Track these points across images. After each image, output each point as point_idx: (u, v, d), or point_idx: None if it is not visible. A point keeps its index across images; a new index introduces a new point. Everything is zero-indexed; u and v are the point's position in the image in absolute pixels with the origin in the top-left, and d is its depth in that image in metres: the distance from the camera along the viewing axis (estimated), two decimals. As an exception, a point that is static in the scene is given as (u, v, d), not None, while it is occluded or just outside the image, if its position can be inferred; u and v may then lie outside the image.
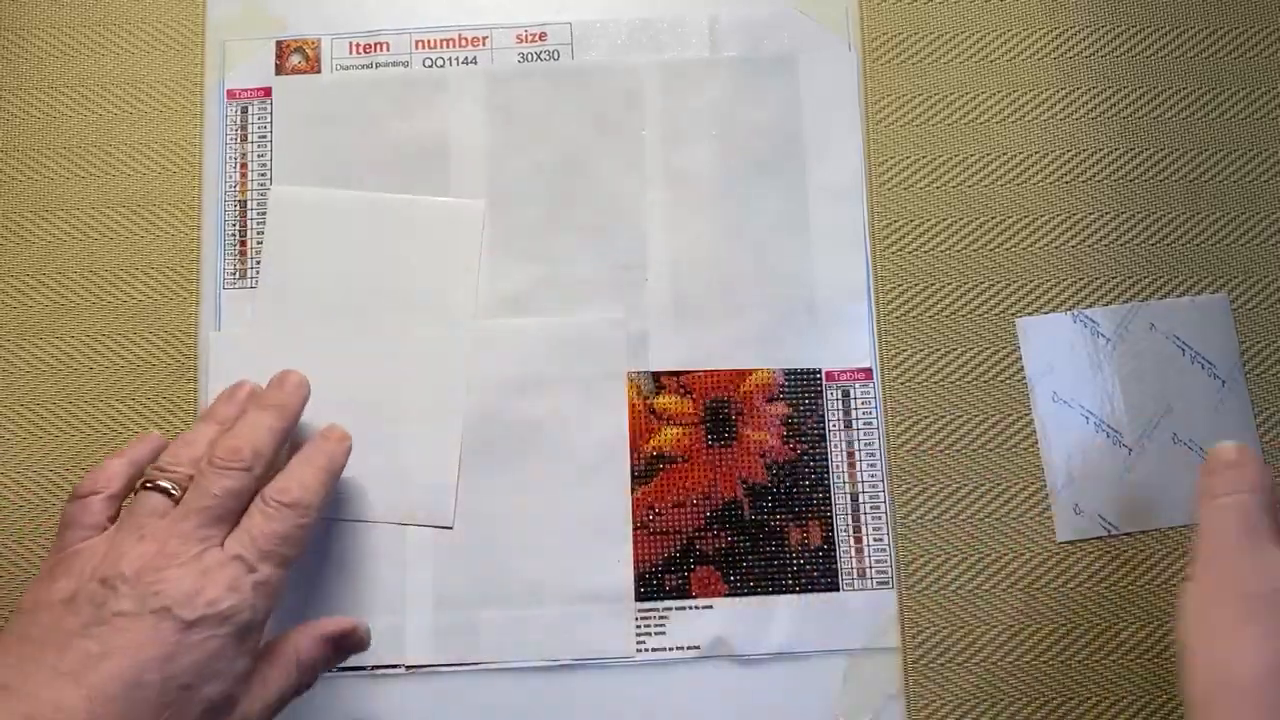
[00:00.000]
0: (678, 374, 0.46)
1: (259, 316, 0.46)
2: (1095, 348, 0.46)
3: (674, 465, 0.46)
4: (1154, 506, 0.44)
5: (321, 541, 0.45)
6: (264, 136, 0.48)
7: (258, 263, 0.47)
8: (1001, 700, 0.44)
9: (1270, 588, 0.33)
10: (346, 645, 0.40)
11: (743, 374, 0.46)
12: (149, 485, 0.38)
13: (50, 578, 0.36)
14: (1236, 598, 0.33)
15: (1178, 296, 0.46)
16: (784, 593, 0.45)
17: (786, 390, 0.46)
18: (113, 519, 0.38)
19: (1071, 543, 0.45)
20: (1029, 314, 0.47)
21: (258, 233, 0.47)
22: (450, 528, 0.45)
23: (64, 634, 0.34)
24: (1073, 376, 0.46)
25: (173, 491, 0.37)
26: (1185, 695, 0.33)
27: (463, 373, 0.46)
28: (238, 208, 0.48)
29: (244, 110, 0.48)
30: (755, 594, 0.45)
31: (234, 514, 0.37)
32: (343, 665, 0.44)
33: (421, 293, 0.46)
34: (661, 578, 0.45)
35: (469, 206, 0.47)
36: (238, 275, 0.47)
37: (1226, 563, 0.34)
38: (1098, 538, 0.44)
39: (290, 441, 0.41)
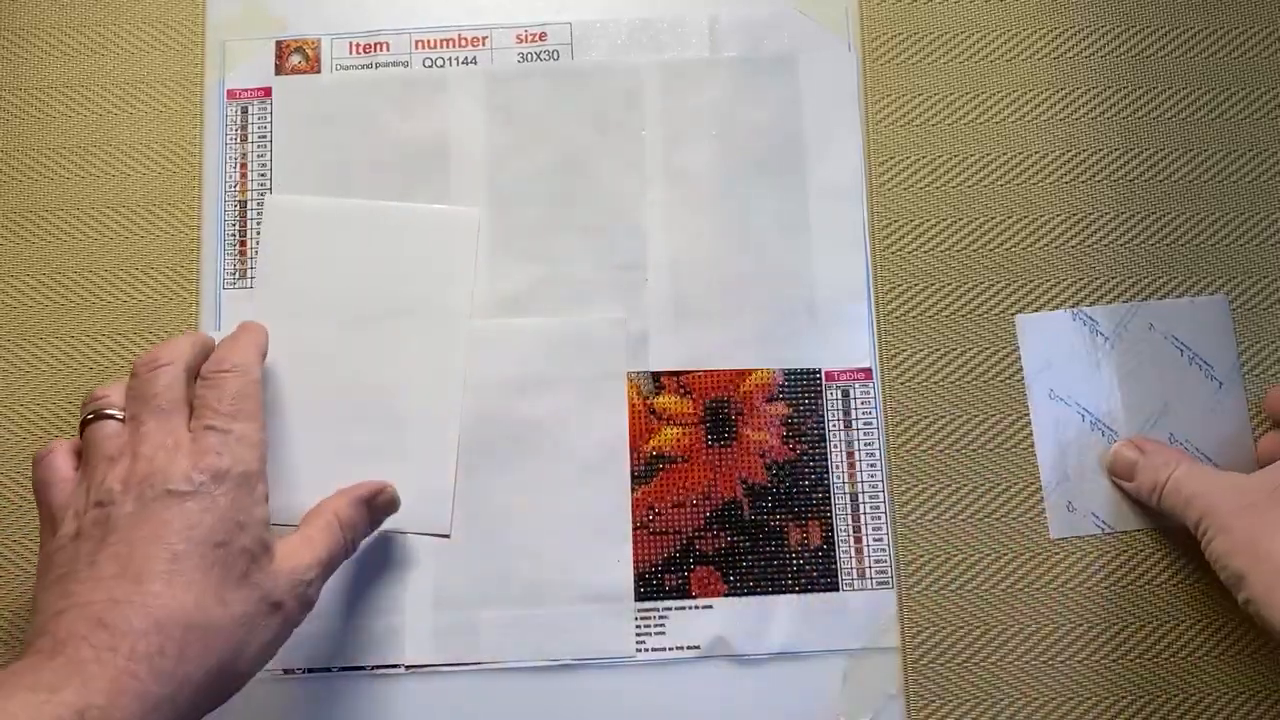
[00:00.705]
0: (678, 374, 0.46)
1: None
2: (1094, 346, 0.46)
3: (674, 465, 0.46)
4: (1148, 506, 0.44)
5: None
6: (264, 137, 0.48)
7: (255, 267, 0.47)
8: (1001, 700, 0.44)
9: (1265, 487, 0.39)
10: (379, 504, 0.42)
11: (742, 374, 0.46)
12: (92, 416, 0.38)
13: (51, 535, 0.36)
14: (1270, 505, 0.39)
15: (1177, 297, 0.46)
16: (784, 593, 0.45)
17: (786, 390, 0.46)
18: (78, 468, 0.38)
19: (1068, 540, 0.45)
20: (1029, 313, 0.47)
21: (257, 233, 0.47)
22: (447, 536, 0.45)
23: (88, 556, 0.34)
24: (1070, 374, 0.46)
25: (118, 415, 0.38)
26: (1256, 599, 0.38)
27: (460, 379, 0.46)
28: (238, 208, 0.48)
29: (244, 110, 0.48)
30: (755, 594, 0.45)
31: (182, 402, 0.38)
32: (343, 665, 0.44)
33: (416, 300, 0.46)
34: (661, 578, 0.45)
35: (464, 214, 0.47)
36: (237, 275, 0.47)
37: (1236, 495, 0.40)
38: (1091, 535, 0.44)
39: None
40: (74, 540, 0.35)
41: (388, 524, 0.43)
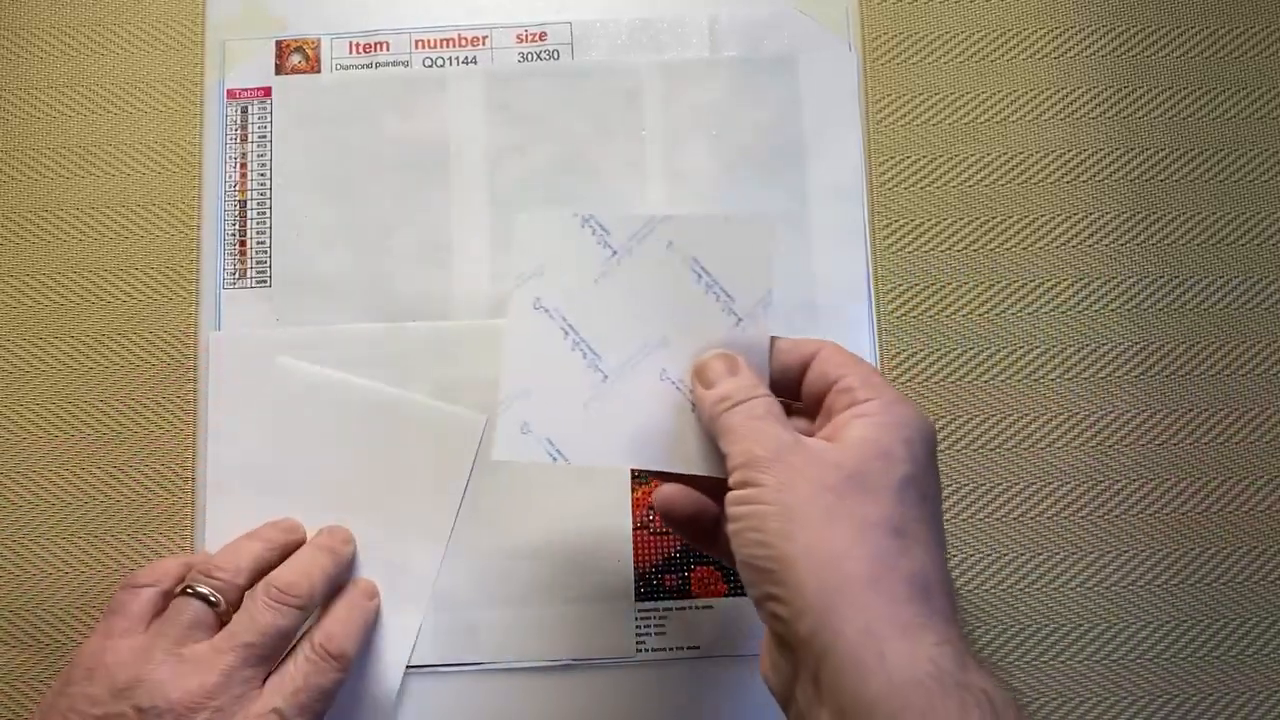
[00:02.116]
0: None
1: (245, 486, 0.45)
2: (598, 259, 0.38)
3: (674, 465, 0.46)
4: (609, 443, 0.37)
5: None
6: (264, 136, 0.48)
7: (259, 272, 0.47)
8: (1001, 700, 0.44)
9: (842, 476, 0.31)
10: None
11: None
12: (190, 590, 0.38)
13: (87, 676, 0.36)
14: (818, 494, 0.31)
15: (712, 215, 0.39)
16: (784, 593, 0.45)
17: (786, 390, 0.46)
18: (158, 614, 0.39)
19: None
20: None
21: (258, 233, 0.47)
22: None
23: None
24: (564, 285, 0.38)
25: (212, 599, 0.38)
26: (792, 603, 0.30)
27: (433, 576, 0.44)
28: (237, 208, 0.48)
29: (244, 110, 0.48)
30: (755, 594, 0.45)
31: (278, 654, 0.38)
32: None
33: (406, 496, 0.45)
34: (661, 578, 0.45)
35: (470, 418, 0.45)
36: (237, 275, 0.47)
37: (791, 463, 0.32)
38: (544, 464, 0.39)
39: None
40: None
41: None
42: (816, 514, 0.31)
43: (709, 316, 0.37)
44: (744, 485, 0.32)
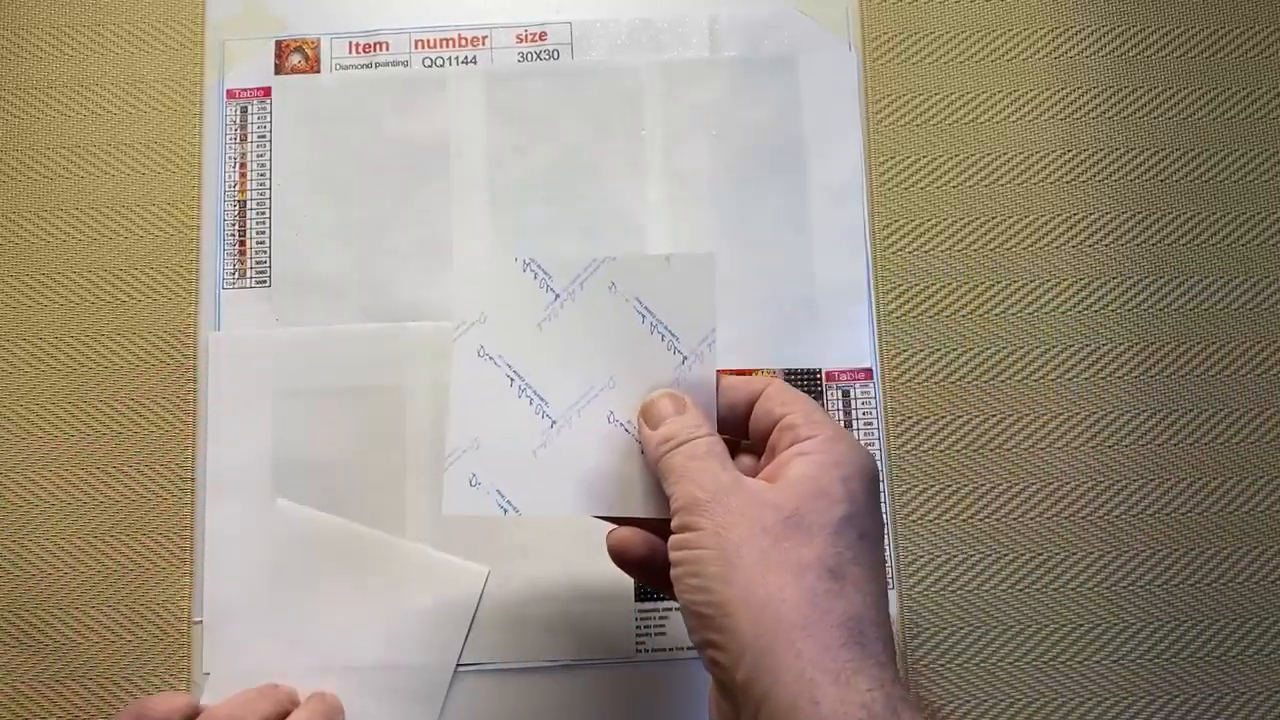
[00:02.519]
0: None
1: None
2: (541, 303, 0.38)
3: (674, 465, 0.46)
4: (558, 490, 0.37)
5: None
6: (263, 136, 0.48)
7: (259, 272, 0.47)
8: (1001, 700, 0.44)
9: (779, 518, 0.31)
10: None
11: (743, 374, 0.46)
12: None
13: None
14: (755, 536, 0.31)
15: (653, 254, 0.40)
16: (784, 593, 0.45)
17: (786, 390, 0.46)
18: None
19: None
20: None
21: (257, 232, 0.47)
22: None
23: None
24: (507, 331, 0.38)
25: None
26: (729, 648, 0.30)
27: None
28: (237, 208, 0.48)
29: (243, 110, 0.48)
30: (755, 594, 0.44)
31: None
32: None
33: (402, 651, 0.44)
34: (661, 578, 0.45)
35: (472, 572, 0.45)
36: (237, 275, 0.47)
37: (728, 506, 0.32)
38: (493, 518, 0.40)
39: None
40: None
41: None
42: (753, 557, 0.31)
43: (655, 356, 0.37)
44: (683, 529, 0.32)
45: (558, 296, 0.38)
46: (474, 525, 0.45)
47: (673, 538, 0.33)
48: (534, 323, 0.38)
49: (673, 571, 0.32)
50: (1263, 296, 0.47)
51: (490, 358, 0.38)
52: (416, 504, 0.45)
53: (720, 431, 0.35)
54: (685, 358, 0.37)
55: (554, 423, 0.37)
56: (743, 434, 0.36)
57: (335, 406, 0.46)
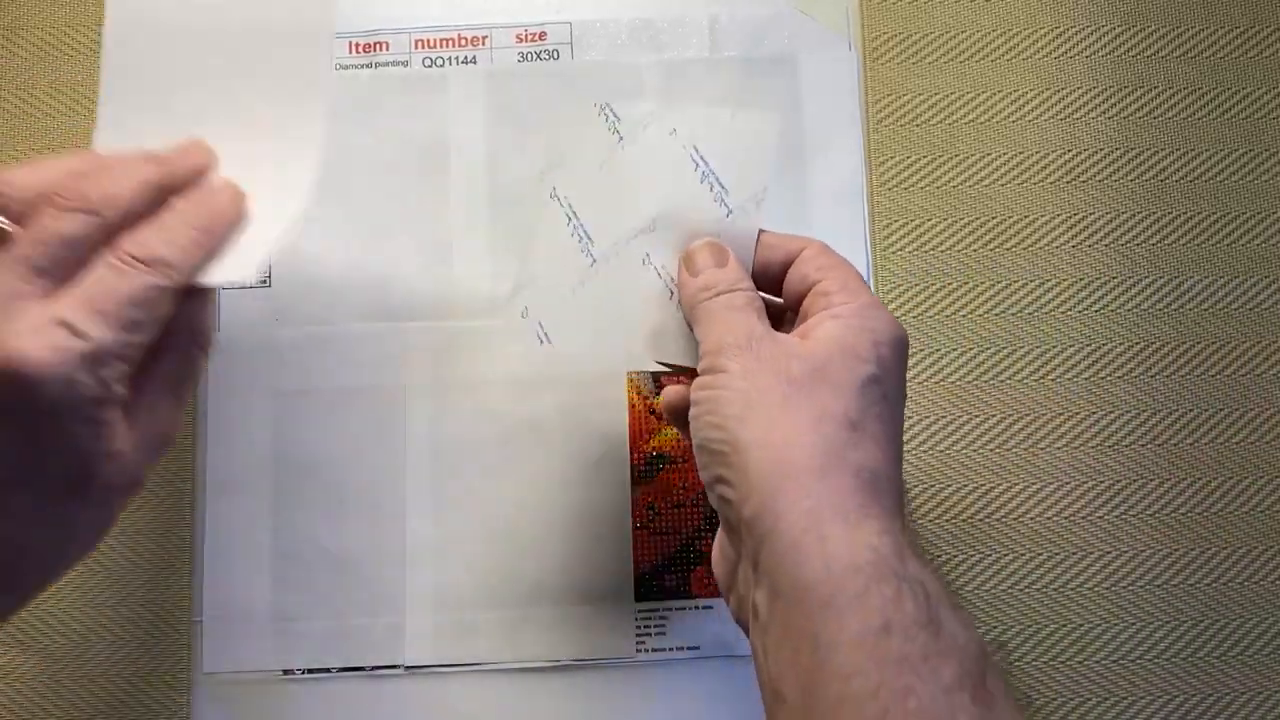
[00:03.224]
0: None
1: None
2: (605, 145, 0.39)
3: (674, 465, 0.46)
4: (589, 328, 0.38)
5: (321, 540, 0.45)
6: (264, 136, 0.48)
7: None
8: (1001, 700, 0.44)
9: (806, 369, 0.31)
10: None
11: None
12: None
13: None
14: (779, 384, 0.31)
15: (718, 108, 0.39)
16: (784, 593, 0.45)
17: (786, 390, 0.46)
18: None
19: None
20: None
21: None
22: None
23: None
24: (576, 173, 0.39)
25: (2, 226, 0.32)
26: (740, 485, 0.30)
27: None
28: (237, 208, 0.48)
29: (244, 110, 0.48)
30: (755, 594, 0.45)
31: (66, 266, 0.31)
32: (342, 666, 0.44)
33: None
34: (661, 578, 0.45)
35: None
36: (237, 275, 0.47)
37: (758, 353, 0.32)
38: (540, 350, 0.40)
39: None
40: None
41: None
42: (775, 402, 0.31)
43: (701, 205, 0.37)
44: (710, 371, 0.33)
45: (621, 139, 0.39)
46: (475, 525, 0.45)
47: (698, 379, 0.33)
48: (596, 164, 0.39)
49: (692, 411, 0.33)
50: (1263, 296, 0.47)
51: (558, 199, 0.40)
52: (417, 504, 0.45)
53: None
54: (730, 211, 0.37)
55: (594, 261, 0.39)
56: (775, 292, 0.36)
57: (335, 406, 0.46)
